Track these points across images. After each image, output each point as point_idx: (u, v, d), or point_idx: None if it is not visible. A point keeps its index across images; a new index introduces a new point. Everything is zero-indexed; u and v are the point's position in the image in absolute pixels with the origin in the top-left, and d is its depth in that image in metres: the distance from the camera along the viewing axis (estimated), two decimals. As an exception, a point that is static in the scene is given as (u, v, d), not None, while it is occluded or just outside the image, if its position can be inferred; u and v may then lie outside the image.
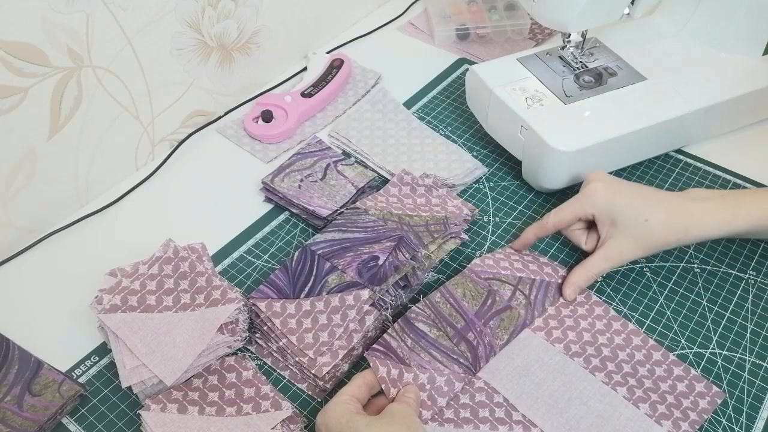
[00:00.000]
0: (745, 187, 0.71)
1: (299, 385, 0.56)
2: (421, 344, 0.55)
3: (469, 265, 0.61)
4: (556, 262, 0.64)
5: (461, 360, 0.55)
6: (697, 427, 0.52)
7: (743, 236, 0.61)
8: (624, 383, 0.54)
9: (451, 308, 0.57)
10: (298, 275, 0.60)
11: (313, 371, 0.54)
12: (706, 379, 0.55)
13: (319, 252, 0.61)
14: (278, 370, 0.57)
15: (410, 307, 0.58)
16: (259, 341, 0.58)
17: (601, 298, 0.61)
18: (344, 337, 0.56)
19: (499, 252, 0.63)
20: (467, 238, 0.65)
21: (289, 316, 0.57)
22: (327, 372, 0.54)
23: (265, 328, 0.57)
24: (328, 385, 0.55)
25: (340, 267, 0.59)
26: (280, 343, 0.56)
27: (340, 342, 0.55)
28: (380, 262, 0.59)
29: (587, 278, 0.60)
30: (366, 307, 0.57)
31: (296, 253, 0.61)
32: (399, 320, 0.56)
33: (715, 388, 0.54)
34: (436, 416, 0.53)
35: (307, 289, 0.58)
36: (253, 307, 0.57)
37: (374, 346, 0.54)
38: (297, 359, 0.55)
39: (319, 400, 0.55)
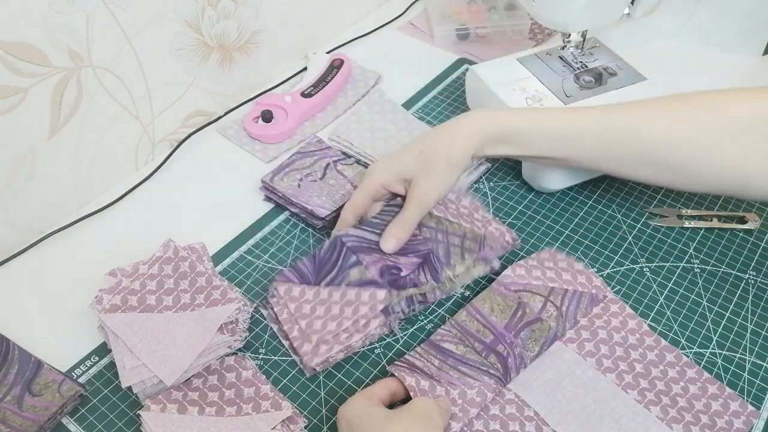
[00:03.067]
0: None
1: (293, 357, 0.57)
2: (449, 363, 0.54)
3: (498, 278, 0.60)
4: (591, 270, 0.62)
5: (491, 371, 0.54)
6: None
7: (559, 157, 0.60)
8: (657, 402, 0.53)
9: (478, 324, 0.57)
10: (324, 263, 0.60)
11: (304, 359, 0.55)
12: (741, 398, 0.53)
13: (348, 244, 0.61)
14: (284, 345, 0.58)
15: (431, 329, 0.58)
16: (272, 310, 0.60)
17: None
18: (350, 332, 0.56)
19: (532, 259, 0.62)
20: (497, 266, 0.61)
21: (305, 302, 0.58)
22: (315, 363, 0.55)
23: (277, 308, 0.59)
24: (317, 369, 0.56)
25: (364, 263, 0.59)
26: (285, 327, 0.58)
27: (345, 333, 0.56)
28: (402, 275, 0.59)
29: (404, 226, 0.60)
30: (380, 306, 0.57)
31: (327, 243, 0.62)
32: (423, 344, 0.56)
33: (750, 408, 0.53)
34: (465, 428, 0.52)
35: (329, 278, 0.59)
36: (274, 291, 0.60)
37: (397, 362, 0.54)
38: (294, 345, 0.57)
39: (319, 399, 0.55)
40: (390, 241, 0.60)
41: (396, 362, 0.54)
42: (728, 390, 0.54)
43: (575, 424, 0.52)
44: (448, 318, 0.59)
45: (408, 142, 0.71)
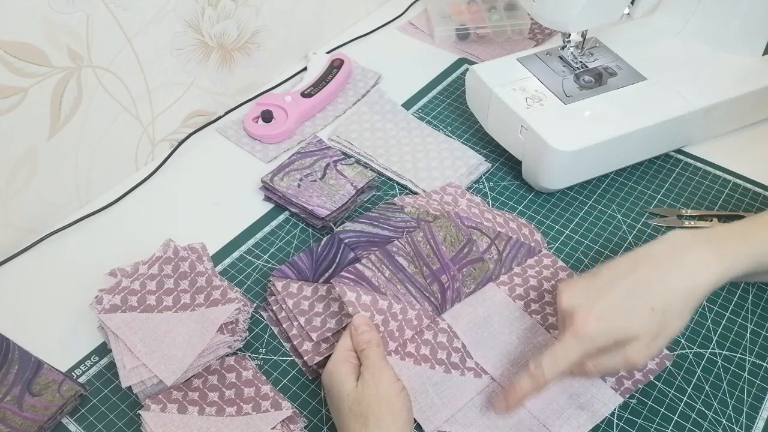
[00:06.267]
0: (745, 187, 0.71)
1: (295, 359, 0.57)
2: (398, 276, 0.57)
3: (457, 209, 0.63)
4: (532, 224, 0.67)
5: (432, 299, 0.57)
6: (640, 386, 0.54)
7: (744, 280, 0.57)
8: None
9: (429, 249, 0.60)
10: (322, 260, 0.61)
11: (305, 358, 0.56)
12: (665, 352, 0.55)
13: (346, 240, 0.62)
14: (284, 345, 0.58)
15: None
16: (271, 311, 0.61)
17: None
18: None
19: (483, 204, 0.67)
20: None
21: (303, 298, 0.58)
22: (317, 362, 0.55)
23: (276, 307, 0.59)
24: (320, 371, 0.55)
25: (362, 259, 0.60)
26: (284, 326, 0.58)
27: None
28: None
29: (554, 362, 0.49)
30: None
31: (324, 239, 0.63)
32: (377, 252, 0.59)
33: (665, 351, 0.55)
34: (400, 348, 0.55)
35: (327, 274, 0.60)
36: (271, 287, 0.60)
37: (342, 273, 0.56)
38: (293, 343, 0.57)
39: (319, 399, 0.55)
40: (533, 381, 0.49)
41: (341, 273, 0.56)
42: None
43: (497, 358, 0.56)
44: (406, 233, 0.62)
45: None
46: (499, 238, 0.63)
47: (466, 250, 0.61)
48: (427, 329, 0.57)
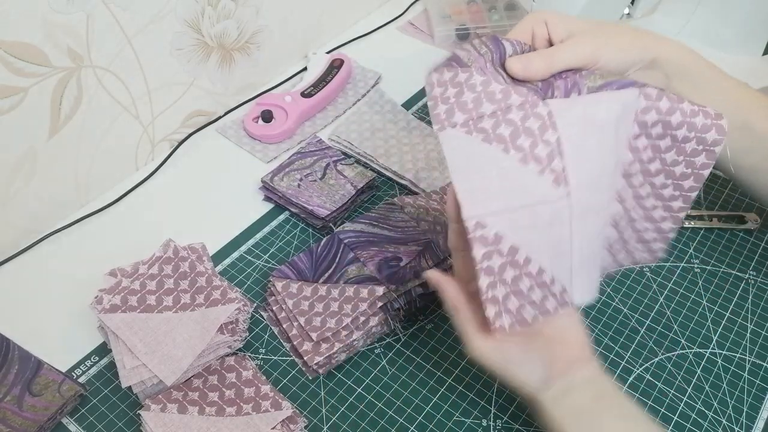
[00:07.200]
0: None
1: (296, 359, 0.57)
2: (493, 56, 0.47)
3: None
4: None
5: (529, 83, 0.47)
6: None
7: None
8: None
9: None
10: (322, 260, 0.61)
11: (305, 358, 0.55)
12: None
13: (346, 241, 0.62)
14: (284, 344, 0.58)
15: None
16: (271, 311, 0.60)
17: (601, 298, 0.61)
18: (350, 329, 0.56)
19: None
20: None
21: (303, 298, 0.58)
22: (317, 362, 0.55)
23: (276, 307, 0.59)
24: (320, 371, 0.56)
25: (362, 259, 0.60)
26: (284, 326, 0.58)
27: (345, 331, 0.56)
28: (402, 264, 0.60)
29: (546, 57, 0.49)
30: (379, 302, 0.57)
31: (324, 239, 0.62)
32: (486, 35, 0.49)
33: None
34: (470, 122, 0.44)
35: (327, 275, 0.60)
36: (271, 287, 0.59)
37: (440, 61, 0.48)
38: (293, 343, 0.57)
39: (319, 399, 0.55)
40: (519, 61, 0.48)
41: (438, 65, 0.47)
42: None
43: (588, 175, 0.44)
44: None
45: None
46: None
47: None
48: (518, 109, 0.44)
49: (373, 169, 0.74)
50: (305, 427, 0.53)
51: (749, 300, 0.61)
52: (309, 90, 0.82)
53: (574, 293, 0.45)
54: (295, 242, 0.67)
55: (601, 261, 0.48)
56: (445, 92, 0.45)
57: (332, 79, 0.83)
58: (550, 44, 0.51)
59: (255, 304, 0.61)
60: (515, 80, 0.47)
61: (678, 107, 0.45)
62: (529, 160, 0.43)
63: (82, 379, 0.57)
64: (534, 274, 0.44)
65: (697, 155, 0.47)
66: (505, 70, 0.48)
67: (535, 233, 0.43)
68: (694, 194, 0.49)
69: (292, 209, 0.70)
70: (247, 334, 0.58)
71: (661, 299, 0.61)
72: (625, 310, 0.61)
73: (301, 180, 0.71)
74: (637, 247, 0.50)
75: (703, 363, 0.57)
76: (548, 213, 0.43)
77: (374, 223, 0.64)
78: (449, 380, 0.57)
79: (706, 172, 0.48)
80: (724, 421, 0.53)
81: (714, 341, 0.58)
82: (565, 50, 0.49)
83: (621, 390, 0.50)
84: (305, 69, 0.88)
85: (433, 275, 0.50)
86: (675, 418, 0.54)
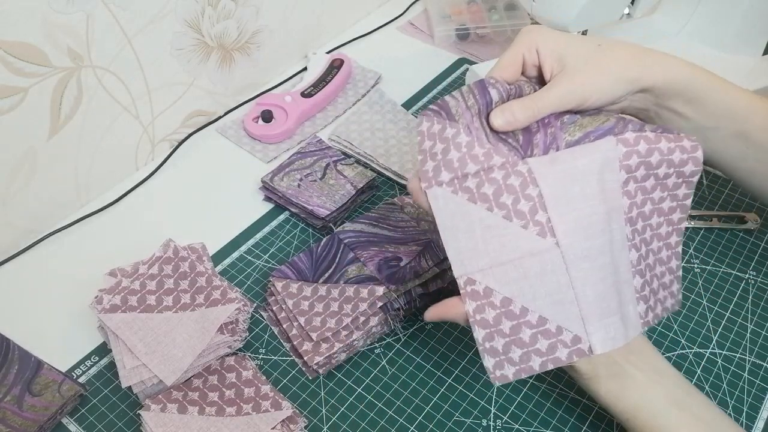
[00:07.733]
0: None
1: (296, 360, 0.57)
2: (480, 108, 0.48)
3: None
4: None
5: (510, 141, 0.48)
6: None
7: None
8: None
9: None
10: (322, 260, 0.61)
11: (305, 358, 0.55)
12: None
13: (345, 241, 0.62)
14: (283, 345, 0.58)
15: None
16: (271, 311, 0.60)
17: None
18: (350, 329, 0.56)
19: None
20: None
21: (303, 298, 0.58)
22: (317, 362, 0.55)
23: (276, 307, 0.59)
24: (320, 371, 0.56)
25: (362, 259, 0.60)
26: (284, 326, 0.58)
27: (345, 331, 0.56)
28: (402, 264, 0.60)
29: (528, 108, 0.48)
30: (378, 303, 0.57)
31: (324, 239, 0.62)
32: (474, 82, 0.50)
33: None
34: (456, 181, 0.46)
35: (327, 275, 0.60)
36: (271, 287, 0.60)
37: (430, 106, 0.50)
38: (293, 343, 0.57)
39: (319, 399, 0.55)
40: (502, 116, 0.48)
41: (430, 106, 0.49)
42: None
43: (575, 225, 0.44)
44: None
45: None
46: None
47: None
48: (499, 168, 0.46)
49: (373, 169, 0.74)
50: (305, 427, 0.53)
51: (749, 300, 0.61)
52: (309, 90, 0.82)
53: (594, 342, 0.45)
54: (295, 242, 0.68)
55: (636, 312, 0.47)
56: (433, 147, 0.48)
57: (332, 79, 0.83)
58: (540, 72, 0.52)
59: (255, 304, 0.61)
60: (498, 133, 0.49)
61: (656, 148, 0.47)
62: (512, 216, 0.45)
63: (82, 379, 0.57)
64: (534, 324, 0.45)
65: (678, 188, 0.49)
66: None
67: (527, 284, 0.45)
68: (683, 226, 0.50)
69: (292, 209, 0.70)
70: (247, 334, 0.58)
71: (661, 299, 0.61)
72: (625, 310, 0.61)
73: (301, 180, 0.71)
74: (665, 295, 0.51)
75: (703, 363, 0.57)
76: (538, 263, 0.45)
77: (374, 223, 0.64)
78: (449, 380, 0.57)
79: (689, 202, 0.49)
80: (724, 421, 0.53)
81: (714, 341, 0.58)
82: (548, 97, 0.49)
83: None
84: (305, 69, 0.88)
85: (433, 313, 0.50)
86: (675, 418, 0.53)
